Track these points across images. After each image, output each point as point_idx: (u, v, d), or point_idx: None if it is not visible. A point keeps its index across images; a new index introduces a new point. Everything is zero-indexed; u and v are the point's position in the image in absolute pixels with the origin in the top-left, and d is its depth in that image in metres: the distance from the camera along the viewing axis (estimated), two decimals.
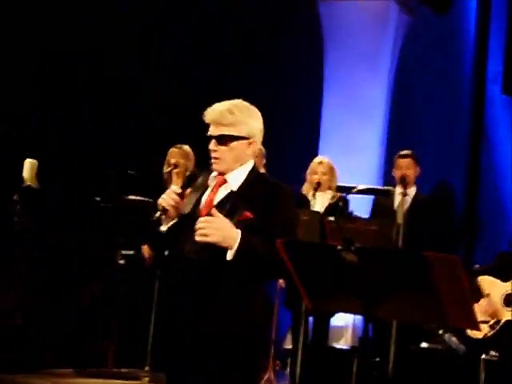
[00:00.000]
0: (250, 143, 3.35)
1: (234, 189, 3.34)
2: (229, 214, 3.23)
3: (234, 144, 3.31)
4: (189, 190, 3.40)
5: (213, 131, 3.34)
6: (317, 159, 6.75)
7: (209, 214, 3.23)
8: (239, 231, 3.15)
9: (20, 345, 6.28)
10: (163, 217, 3.34)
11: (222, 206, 3.29)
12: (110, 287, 6.70)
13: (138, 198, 6.39)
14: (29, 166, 5.66)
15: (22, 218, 5.49)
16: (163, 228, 3.36)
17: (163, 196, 3.33)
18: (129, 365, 6.45)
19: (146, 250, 6.65)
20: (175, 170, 6.65)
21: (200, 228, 3.15)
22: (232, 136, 3.31)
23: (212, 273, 3.23)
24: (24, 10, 7.69)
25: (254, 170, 3.41)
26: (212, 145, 3.33)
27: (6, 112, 7.51)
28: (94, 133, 8.09)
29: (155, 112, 8.27)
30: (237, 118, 3.31)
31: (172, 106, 8.10)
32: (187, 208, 3.37)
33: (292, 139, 8.40)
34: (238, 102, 3.39)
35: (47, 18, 7.77)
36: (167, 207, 3.30)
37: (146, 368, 6.25)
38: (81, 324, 7.05)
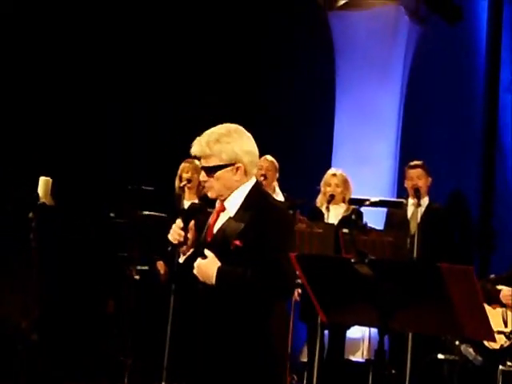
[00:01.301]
0: (236, 169, 3.40)
1: (231, 215, 3.43)
2: (224, 242, 3.37)
3: (219, 173, 3.40)
4: (192, 223, 3.47)
5: (201, 163, 3.47)
6: (330, 171, 6.75)
7: (203, 254, 3.39)
8: (216, 268, 3.31)
9: (36, 360, 6.30)
10: (179, 250, 3.48)
11: (219, 235, 3.42)
12: (126, 302, 6.71)
13: (153, 213, 6.41)
14: (43, 183, 5.68)
15: (38, 235, 5.52)
16: (180, 260, 3.50)
17: (170, 231, 3.45)
18: (145, 380, 6.46)
19: (161, 265, 6.66)
20: (188, 185, 6.68)
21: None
22: (214, 167, 3.40)
23: (219, 298, 3.36)
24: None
25: (252, 193, 3.45)
26: (201, 176, 3.48)
27: (20, 130, 7.58)
28: (108, 149, 8.14)
29: (168, 127, 8.31)
30: (215, 149, 3.39)
31: (184, 121, 8.14)
32: (201, 236, 3.49)
33: (305, 151, 8.41)
34: (219, 129, 3.45)
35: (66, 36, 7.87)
36: (174, 242, 3.43)
37: (163, 383, 6.26)
38: (97, 339, 7.07)
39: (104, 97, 8.08)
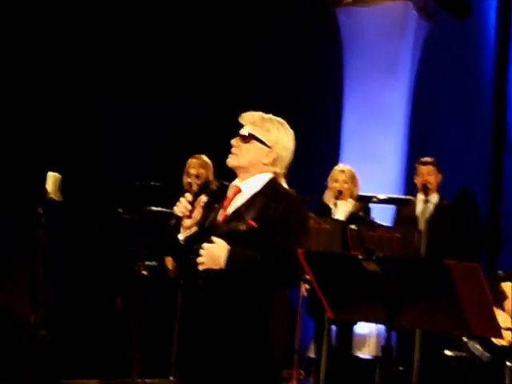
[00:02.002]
0: (268, 151, 3.46)
1: (247, 198, 3.45)
2: (238, 223, 3.37)
3: (254, 145, 3.46)
4: (200, 198, 3.46)
5: (241, 130, 3.51)
6: (338, 167, 6.74)
7: (210, 240, 3.34)
8: (226, 250, 3.28)
9: (45, 356, 6.32)
10: (182, 223, 3.44)
11: (234, 216, 3.41)
12: (134, 298, 6.73)
13: (161, 209, 6.42)
14: (52, 179, 5.70)
15: (46, 230, 5.54)
16: (180, 237, 3.47)
17: (177, 203, 3.43)
18: (153, 375, 6.47)
19: (169, 261, 6.67)
20: (196, 181, 6.68)
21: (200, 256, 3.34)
22: (254, 136, 3.45)
23: (223, 282, 3.35)
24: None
25: (270, 182, 3.49)
26: (233, 140, 3.50)
27: (29, 125, 7.61)
28: (116, 144, 8.16)
29: (177, 123, 8.32)
30: (264, 125, 3.47)
31: (192, 117, 8.15)
32: (209, 221, 3.47)
33: (313, 148, 8.40)
34: (277, 118, 3.56)
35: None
36: (179, 214, 3.41)
37: (171, 378, 6.27)
38: (105, 335, 7.09)
39: (110, 93, 8.10)
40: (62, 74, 7.88)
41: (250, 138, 3.46)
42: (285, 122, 3.57)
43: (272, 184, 3.49)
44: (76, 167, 7.39)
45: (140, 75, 8.21)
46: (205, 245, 3.34)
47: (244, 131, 3.50)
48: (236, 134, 3.54)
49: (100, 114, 8.09)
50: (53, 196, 5.66)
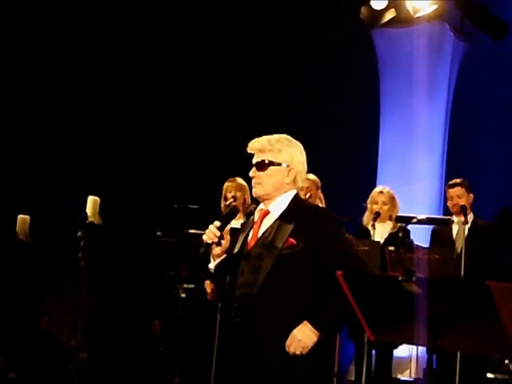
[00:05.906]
0: (288, 171, 3.48)
1: (276, 217, 3.47)
2: (273, 242, 3.36)
3: (272, 169, 3.47)
4: (229, 227, 3.49)
5: (254, 160, 3.52)
6: (377, 189, 6.71)
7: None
8: (306, 325, 3.31)
9: (85, 378, 6.36)
10: (212, 251, 3.48)
11: (266, 236, 3.42)
12: (172, 321, 6.75)
13: (199, 231, 6.44)
14: (91, 202, 5.75)
15: (86, 253, 5.59)
16: (210, 266, 3.52)
17: (206, 231, 3.46)
18: None
19: (208, 284, 6.67)
20: (234, 203, 6.68)
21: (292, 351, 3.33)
22: (269, 161, 3.46)
23: (263, 305, 3.35)
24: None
25: (295, 199, 3.52)
26: (251, 172, 3.52)
27: (70, 151, 7.71)
28: (155, 168, 8.22)
29: (213, 146, 8.37)
30: (275, 147, 3.48)
31: (230, 139, 8.19)
32: (236, 247, 3.49)
33: (351, 169, 8.39)
34: (280, 135, 3.56)
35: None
36: (208, 241, 3.43)
37: None
38: (144, 358, 7.10)
39: (151, 119, 8.19)
40: (101, 102, 7.99)
41: (266, 164, 3.47)
42: (289, 136, 3.57)
43: (297, 200, 3.52)
44: (115, 191, 7.46)
45: (182, 100, 8.30)
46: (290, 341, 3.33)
47: (257, 159, 3.50)
48: (250, 165, 3.54)
49: (139, 140, 8.17)
50: (92, 219, 5.71)
